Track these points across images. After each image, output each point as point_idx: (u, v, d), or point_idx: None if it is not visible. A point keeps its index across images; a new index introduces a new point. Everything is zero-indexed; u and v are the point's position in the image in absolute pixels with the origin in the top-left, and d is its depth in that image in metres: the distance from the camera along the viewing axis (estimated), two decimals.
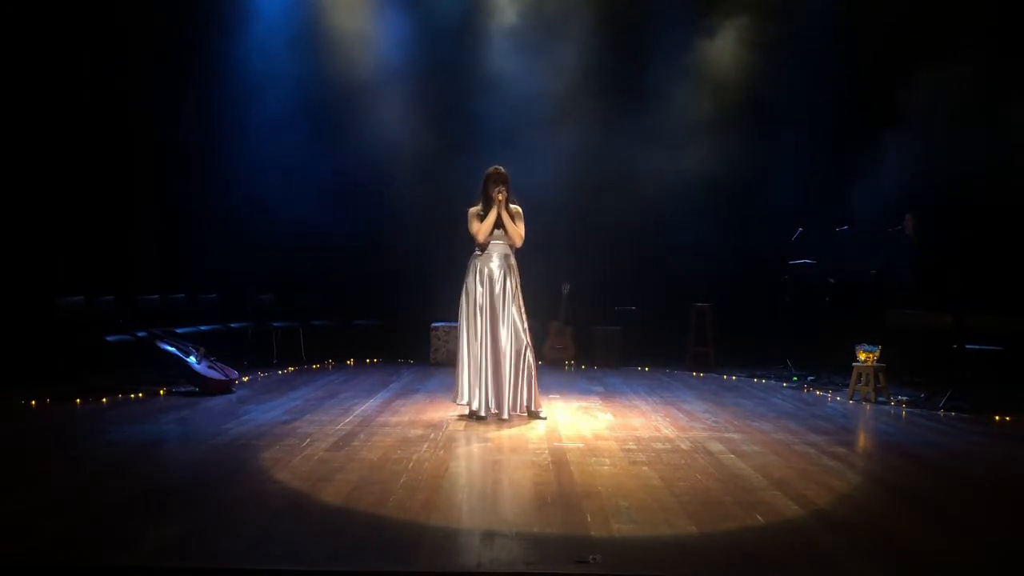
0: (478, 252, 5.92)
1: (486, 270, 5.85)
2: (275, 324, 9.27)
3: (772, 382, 8.23)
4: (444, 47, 9.60)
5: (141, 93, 8.71)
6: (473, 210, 5.95)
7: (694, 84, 9.67)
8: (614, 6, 9.65)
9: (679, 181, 9.29)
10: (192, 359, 6.82)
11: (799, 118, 8.87)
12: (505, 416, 5.72)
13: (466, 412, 5.86)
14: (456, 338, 6.02)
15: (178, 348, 6.89)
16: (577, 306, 9.68)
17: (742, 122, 9.48)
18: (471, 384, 5.80)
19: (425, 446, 4.87)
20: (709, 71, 9.70)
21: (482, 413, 5.74)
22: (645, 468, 4.39)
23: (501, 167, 5.92)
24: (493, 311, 5.79)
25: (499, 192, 5.80)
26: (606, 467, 4.43)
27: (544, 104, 9.40)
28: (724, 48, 9.66)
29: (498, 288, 5.82)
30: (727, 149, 9.31)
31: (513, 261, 5.94)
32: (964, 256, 7.03)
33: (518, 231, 5.87)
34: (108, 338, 6.97)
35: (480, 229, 5.85)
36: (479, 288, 5.84)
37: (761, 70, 9.42)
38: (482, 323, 5.79)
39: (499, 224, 5.85)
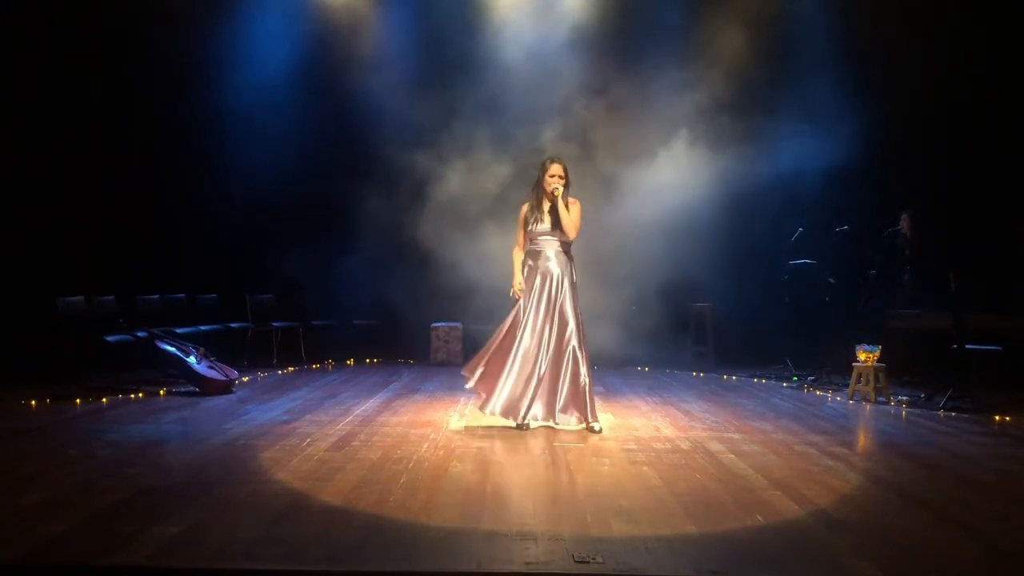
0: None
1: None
2: (275, 324, 9.27)
3: (772, 382, 8.22)
4: (448, 47, 9.58)
5: (140, 93, 8.71)
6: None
7: (693, 79, 9.63)
8: None
9: (678, 180, 9.26)
10: (192, 359, 6.81)
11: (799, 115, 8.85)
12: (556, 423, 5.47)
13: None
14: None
15: (178, 348, 6.89)
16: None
17: (743, 120, 9.45)
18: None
19: (425, 446, 4.87)
20: (709, 66, 9.66)
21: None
22: (645, 468, 4.39)
23: (556, 158, 5.60)
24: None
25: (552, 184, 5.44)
26: (606, 467, 4.43)
27: (544, 98, 9.37)
28: (722, 43, 9.62)
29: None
30: (727, 148, 9.28)
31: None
32: (963, 255, 7.03)
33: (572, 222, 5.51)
34: (108, 338, 6.97)
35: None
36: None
37: (764, 67, 9.39)
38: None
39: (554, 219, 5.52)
